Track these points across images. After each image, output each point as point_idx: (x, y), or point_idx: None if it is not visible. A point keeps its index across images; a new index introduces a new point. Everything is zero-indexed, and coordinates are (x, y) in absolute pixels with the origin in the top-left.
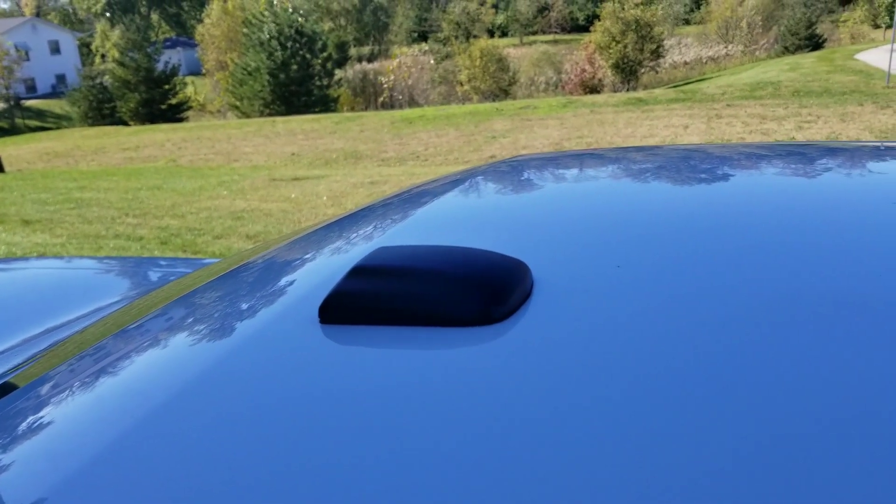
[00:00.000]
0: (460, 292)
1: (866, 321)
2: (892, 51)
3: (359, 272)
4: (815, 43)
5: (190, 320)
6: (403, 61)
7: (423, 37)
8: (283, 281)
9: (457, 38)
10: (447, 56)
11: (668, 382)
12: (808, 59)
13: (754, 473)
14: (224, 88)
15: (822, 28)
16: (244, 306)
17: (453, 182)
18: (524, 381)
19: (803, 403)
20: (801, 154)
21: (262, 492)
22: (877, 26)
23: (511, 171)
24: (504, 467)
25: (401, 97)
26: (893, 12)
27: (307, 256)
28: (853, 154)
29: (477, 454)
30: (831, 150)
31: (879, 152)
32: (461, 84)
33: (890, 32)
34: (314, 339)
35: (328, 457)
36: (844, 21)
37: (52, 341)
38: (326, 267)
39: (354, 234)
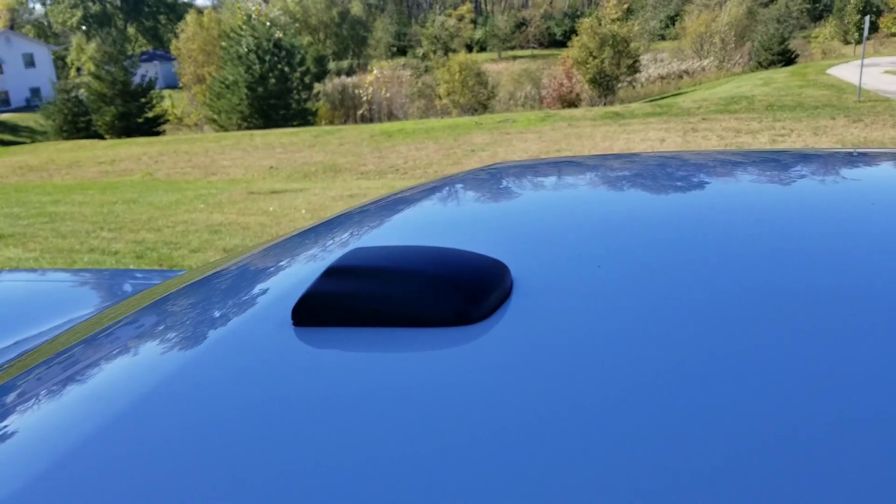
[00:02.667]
0: (438, 292)
1: (843, 318)
2: (861, 66)
3: (333, 273)
4: (787, 58)
5: (161, 326)
6: (381, 75)
7: (401, 51)
8: (256, 286)
9: (435, 52)
10: (426, 70)
11: (649, 380)
12: (781, 74)
13: (728, 470)
14: (201, 102)
15: (794, 44)
16: (217, 312)
17: (430, 189)
18: (504, 382)
19: (774, 398)
20: (771, 160)
21: (237, 495)
22: (847, 42)
23: (489, 177)
24: (484, 467)
25: (379, 111)
26: (862, 29)
27: (281, 262)
28: (825, 160)
29: (455, 455)
30: (798, 157)
31: (852, 158)
32: (440, 98)
33: (860, 48)
34: (287, 341)
35: (303, 460)
36: (816, 37)
37: (21, 351)
38: (300, 271)
39: (330, 240)
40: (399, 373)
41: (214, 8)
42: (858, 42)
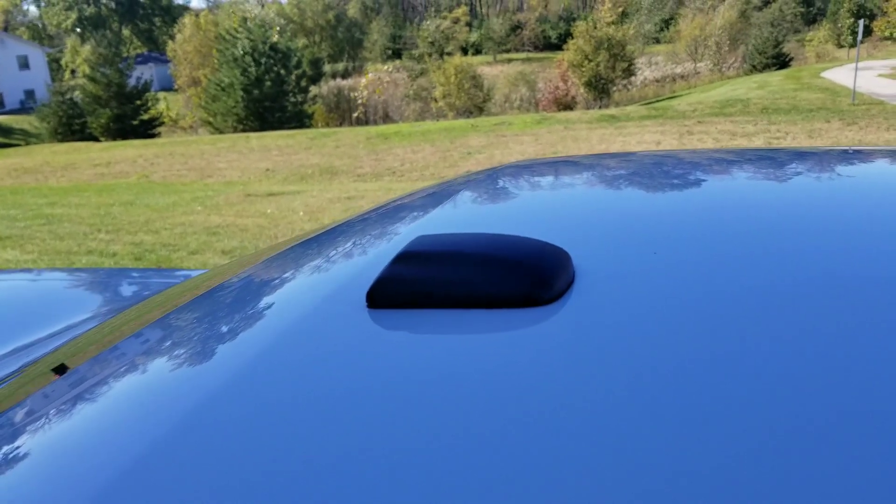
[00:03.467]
0: (509, 274)
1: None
2: (856, 70)
3: (403, 258)
4: (781, 61)
5: (229, 312)
6: (377, 77)
7: (397, 54)
8: (321, 273)
9: (431, 55)
10: (422, 73)
11: (713, 362)
12: (775, 77)
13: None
14: (197, 104)
15: (788, 47)
16: (286, 297)
17: (449, 188)
18: (577, 361)
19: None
20: (801, 156)
21: (316, 473)
22: (840, 46)
23: (513, 175)
24: (558, 446)
25: (375, 113)
26: (856, 33)
27: (336, 251)
28: (841, 157)
29: (530, 434)
30: (831, 154)
31: (849, 156)
32: (436, 101)
33: (853, 52)
34: (363, 323)
35: (382, 439)
36: (810, 40)
37: (49, 348)
38: (363, 259)
39: (379, 229)
40: (472, 352)
41: (210, 10)
42: (852, 46)
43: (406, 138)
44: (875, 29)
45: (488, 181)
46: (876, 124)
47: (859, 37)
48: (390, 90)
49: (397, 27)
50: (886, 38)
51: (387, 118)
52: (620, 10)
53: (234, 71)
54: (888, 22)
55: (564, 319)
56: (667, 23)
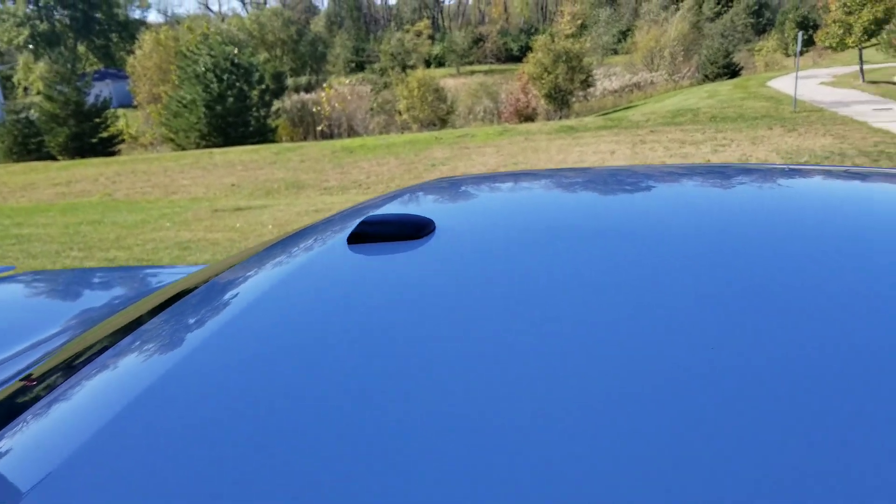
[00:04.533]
0: (405, 227)
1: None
2: (796, 79)
3: (363, 223)
4: (732, 71)
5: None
6: (339, 91)
7: (360, 67)
8: (315, 237)
9: (394, 68)
10: (385, 86)
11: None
12: (725, 87)
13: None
14: (158, 121)
15: (738, 57)
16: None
17: (389, 197)
18: (434, 257)
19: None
20: (709, 173)
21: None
22: (788, 55)
23: (442, 187)
24: (436, 315)
25: (339, 127)
26: (800, 42)
27: (317, 243)
28: (748, 173)
29: (423, 304)
30: (726, 171)
31: (763, 173)
32: (400, 113)
33: (799, 61)
34: (347, 252)
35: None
36: (759, 50)
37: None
38: (338, 233)
39: (340, 223)
40: (394, 256)
41: (170, 24)
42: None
43: (371, 151)
44: (817, 40)
45: (413, 190)
46: (814, 130)
47: (799, 47)
48: (354, 103)
49: (360, 40)
50: (829, 48)
51: (351, 131)
52: (579, 22)
53: (196, 87)
54: (827, 33)
55: (428, 244)
56: (624, 34)
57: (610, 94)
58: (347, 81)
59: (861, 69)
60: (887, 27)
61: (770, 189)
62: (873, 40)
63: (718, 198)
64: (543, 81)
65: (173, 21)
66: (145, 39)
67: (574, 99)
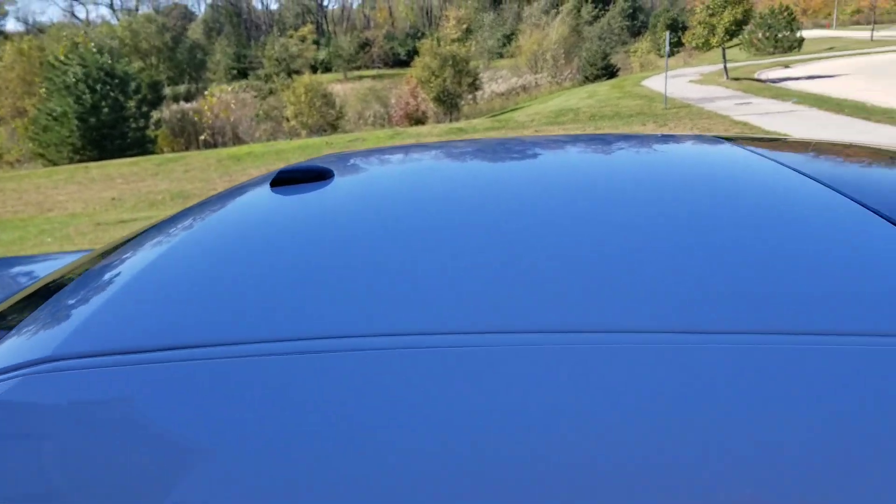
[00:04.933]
0: (310, 175)
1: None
2: (666, 78)
3: (281, 171)
4: (610, 72)
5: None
6: (223, 99)
7: (243, 74)
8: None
9: (279, 74)
10: (270, 92)
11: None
12: (603, 87)
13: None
14: (25, 137)
15: (616, 58)
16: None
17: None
18: (336, 192)
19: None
20: (573, 142)
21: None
22: (661, 56)
23: (330, 159)
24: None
25: (224, 135)
26: (670, 44)
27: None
28: (607, 141)
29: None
30: (594, 140)
31: (634, 140)
32: (288, 120)
33: (670, 61)
34: (271, 194)
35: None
36: (634, 51)
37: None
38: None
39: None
40: (303, 192)
41: (33, 34)
42: (669, 55)
43: (259, 159)
44: (685, 40)
45: (322, 160)
46: (682, 125)
47: (668, 48)
48: (239, 111)
49: (241, 46)
50: (696, 48)
51: (237, 140)
52: (465, 26)
53: (67, 99)
54: (693, 34)
55: (328, 185)
56: (508, 38)
57: (497, 97)
58: (230, 89)
59: (725, 67)
60: (746, 28)
61: (628, 151)
62: (735, 40)
63: (570, 158)
64: (432, 85)
65: (35, 30)
66: (6, 50)
67: (463, 102)
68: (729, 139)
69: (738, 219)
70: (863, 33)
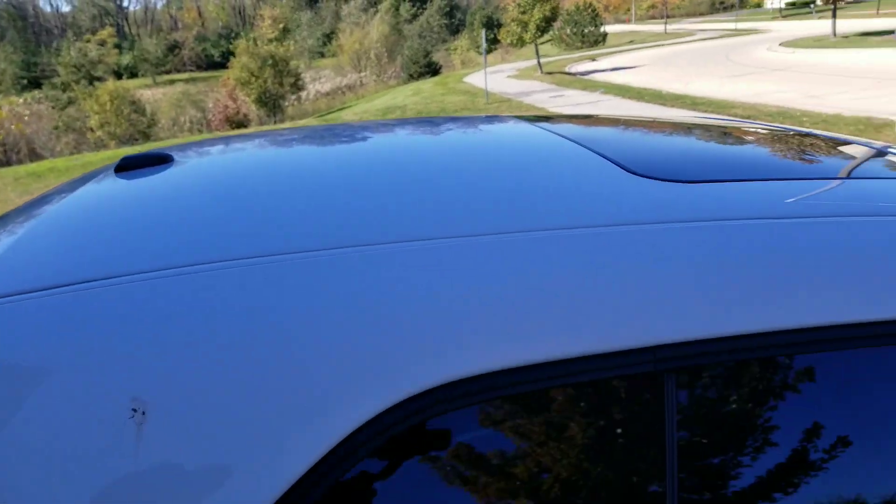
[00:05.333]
0: (158, 158)
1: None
2: (485, 73)
3: (125, 159)
4: (433, 69)
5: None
6: (14, 111)
7: (35, 83)
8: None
9: (78, 82)
10: (70, 102)
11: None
12: (427, 84)
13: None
14: None
15: (438, 56)
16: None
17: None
18: (178, 176)
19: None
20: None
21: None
22: (480, 52)
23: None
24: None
25: (19, 152)
26: (486, 41)
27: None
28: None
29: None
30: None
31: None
32: (93, 130)
33: (489, 57)
34: (115, 179)
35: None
36: (455, 49)
37: None
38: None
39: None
40: (150, 175)
41: None
42: (488, 52)
43: (64, 174)
44: (500, 37)
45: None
46: None
47: (484, 45)
48: (34, 124)
49: (30, 53)
50: (511, 45)
51: (34, 155)
52: (281, 26)
53: None
54: (507, 31)
55: (172, 166)
56: (328, 37)
57: (323, 97)
58: (21, 100)
59: (539, 62)
60: (556, 24)
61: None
62: (546, 36)
63: (381, 138)
64: (252, 87)
65: None
66: None
67: (287, 103)
68: (519, 118)
69: (505, 165)
70: (658, 27)
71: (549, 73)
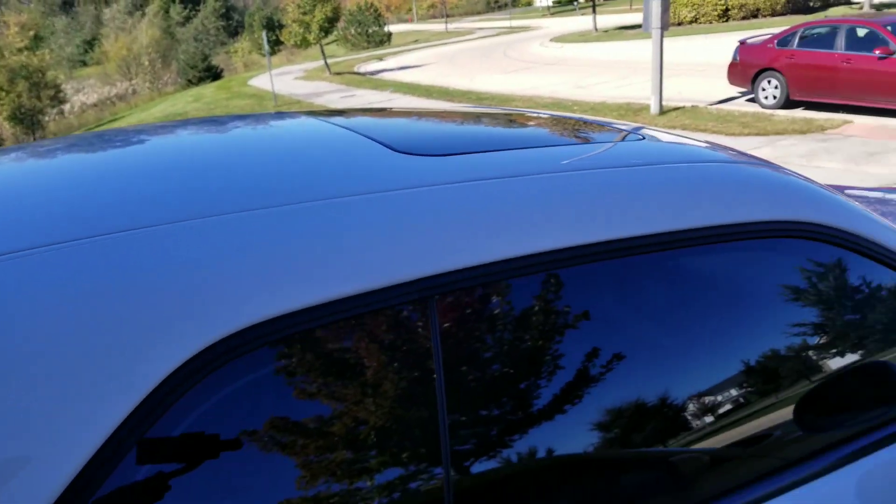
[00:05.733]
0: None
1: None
2: (271, 76)
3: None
4: (214, 73)
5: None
6: None
7: None
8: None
9: None
10: None
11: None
12: (209, 89)
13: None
14: None
15: (218, 59)
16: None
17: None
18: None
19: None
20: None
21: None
22: (263, 54)
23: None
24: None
25: None
26: (269, 43)
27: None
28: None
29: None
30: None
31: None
32: None
33: (273, 60)
34: None
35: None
36: (236, 51)
37: None
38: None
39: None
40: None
41: None
42: (272, 54)
43: None
44: (283, 38)
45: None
46: None
47: (266, 47)
48: None
49: None
50: (295, 46)
51: None
52: (31, 33)
53: None
54: (290, 32)
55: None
56: (90, 44)
57: (90, 108)
58: None
59: (326, 63)
60: (339, 24)
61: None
62: (331, 36)
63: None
64: (3, 102)
65: None
66: None
67: (48, 118)
68: (307, 113)
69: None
70: (439, 26)
71: (338, 74)
